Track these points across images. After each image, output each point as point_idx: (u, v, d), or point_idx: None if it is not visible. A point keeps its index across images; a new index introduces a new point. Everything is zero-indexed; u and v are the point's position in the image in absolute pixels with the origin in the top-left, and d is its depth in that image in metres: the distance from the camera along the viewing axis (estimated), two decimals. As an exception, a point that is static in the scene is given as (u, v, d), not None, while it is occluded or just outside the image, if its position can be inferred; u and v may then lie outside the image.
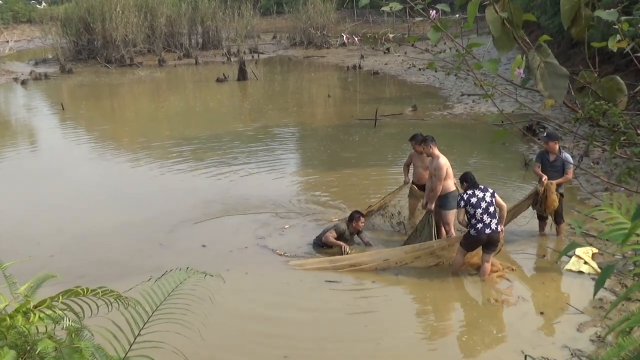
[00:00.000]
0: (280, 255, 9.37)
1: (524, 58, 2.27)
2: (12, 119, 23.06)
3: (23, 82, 29.44)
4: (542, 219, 9.71)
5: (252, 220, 10.85)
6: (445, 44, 2.65)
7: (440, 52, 2.80)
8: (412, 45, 2.67)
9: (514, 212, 9.66)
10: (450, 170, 9.22)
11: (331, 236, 9.46)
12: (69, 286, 2.51)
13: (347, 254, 9.23)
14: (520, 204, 9.73)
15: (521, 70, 2.28)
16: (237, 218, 11.04)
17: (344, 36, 3.34)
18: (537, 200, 9.35)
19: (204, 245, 9.90)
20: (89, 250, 9.89)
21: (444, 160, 9.13)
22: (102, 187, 13.37)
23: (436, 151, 9.24)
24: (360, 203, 11.01)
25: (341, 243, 9.40)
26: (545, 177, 9.19)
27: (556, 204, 9.21)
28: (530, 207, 9.62)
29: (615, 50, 2.31)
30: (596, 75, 2.37)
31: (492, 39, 2.22)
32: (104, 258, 9.56)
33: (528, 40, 2.29)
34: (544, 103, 2.25)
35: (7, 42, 41.95)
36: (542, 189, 9.22)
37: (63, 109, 22.78)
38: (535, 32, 21.68)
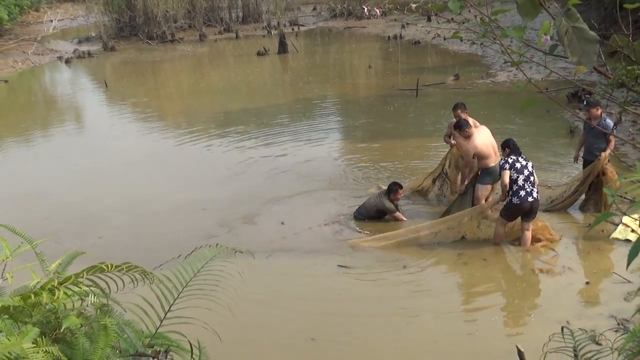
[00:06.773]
0: (360, 232, 9.30)
1: (552, 24, 2.19)
2: (58, 97, 23.49)
3: (67, 61, 29.89)
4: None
5: (329, 198, 10.74)
6: (470, 11, 2.58)
7: (464, 22, 2.72)
8: (436, 14, 2.61)
9: (572, 200, 9.50)
10: (490, 149, 8.93)
11: (400, 216, 9.59)
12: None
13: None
14: (573, 195, 9.48)
15: (548, 37, 2.20)
16: (316, 194, 10.90)
17: (365, 9, 3.29)
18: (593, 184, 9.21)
19: (282, 223, 9.81)
20: (161, 230, 9.88)
21: (474, 144, 8.83)
22: (160, 165, 13.39)
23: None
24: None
25: (404, 219, 9.59)
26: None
27: (615, 176, 8.90)
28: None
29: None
30: (629, 38, 2.27)
31: (517, 6, 2.14)
32: (177, 238, 9.37)
33: (556, 5, 2.21)
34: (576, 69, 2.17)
35: (51, 21, 42.47)
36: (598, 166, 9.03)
37: (106, 86, 23.09)
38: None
